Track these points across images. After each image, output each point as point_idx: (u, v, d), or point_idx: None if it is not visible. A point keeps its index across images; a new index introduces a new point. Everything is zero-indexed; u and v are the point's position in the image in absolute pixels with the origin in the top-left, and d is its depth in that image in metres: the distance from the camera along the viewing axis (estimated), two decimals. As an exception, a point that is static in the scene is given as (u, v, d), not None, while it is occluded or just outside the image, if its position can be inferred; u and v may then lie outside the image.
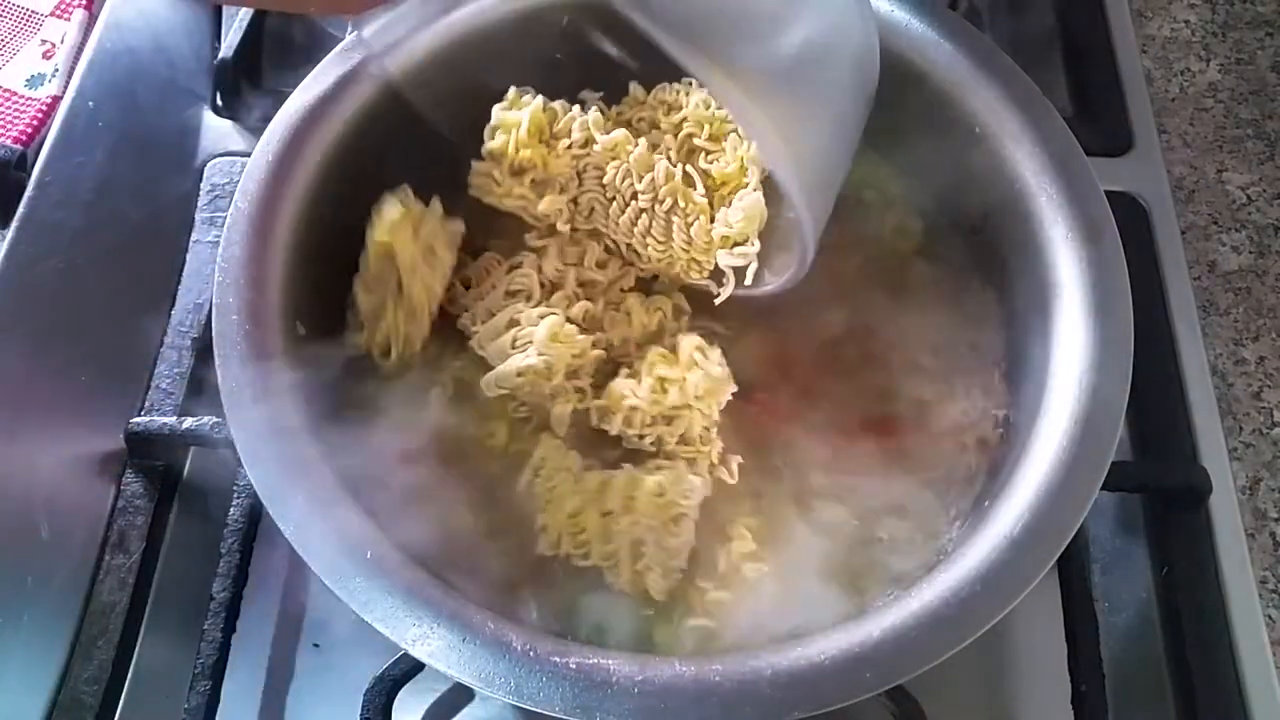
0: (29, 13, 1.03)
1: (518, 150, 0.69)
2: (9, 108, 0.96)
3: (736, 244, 0.70)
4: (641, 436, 0.68)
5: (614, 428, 0.69)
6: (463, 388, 0.71)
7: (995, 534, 0.57)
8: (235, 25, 0.95)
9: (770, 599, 0.64)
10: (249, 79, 0.96)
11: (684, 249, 0.70)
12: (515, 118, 0.69)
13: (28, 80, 0.98)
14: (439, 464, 0.68)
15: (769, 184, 0.68)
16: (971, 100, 0.73)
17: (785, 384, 0.73)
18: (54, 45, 1.01)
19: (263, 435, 0.59)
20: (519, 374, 0.66)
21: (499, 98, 0.71)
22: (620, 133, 0.69)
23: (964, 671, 0.72)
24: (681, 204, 0.69)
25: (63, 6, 1.03)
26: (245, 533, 0.72)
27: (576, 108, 0.72)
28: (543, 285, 0.71)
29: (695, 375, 0.67)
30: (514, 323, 0.69)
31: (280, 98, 0.73)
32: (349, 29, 0.81)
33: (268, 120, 0.71)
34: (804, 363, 0.75)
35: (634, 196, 0.69)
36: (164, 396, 0.80)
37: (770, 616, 0.61)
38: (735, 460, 0.69)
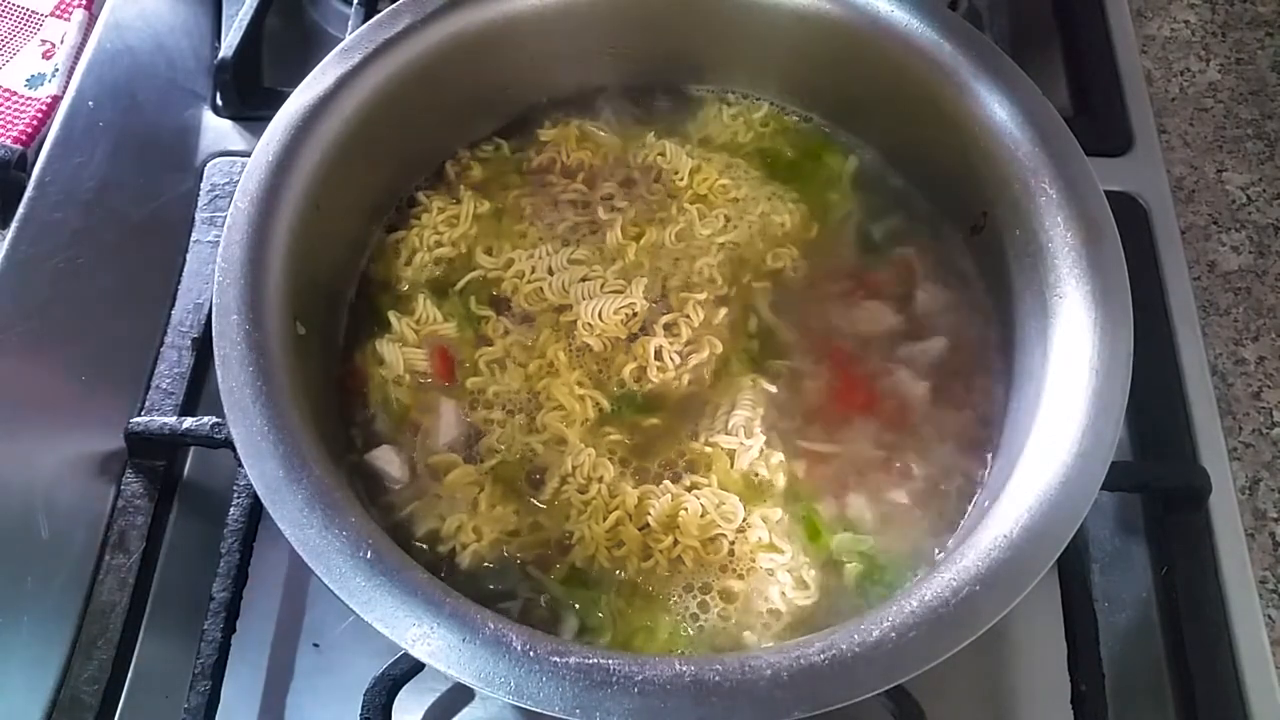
0: (29, 13, 1.03)
1: (568, 155, 0.84)
2: (9, 108, 0.96)
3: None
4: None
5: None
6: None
7: (995, 534, 0.57)
8: (235, 25, 0.95)
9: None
10: (249, 79, 0.96)
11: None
12: (562, 132, 0.85)
13: (28, 80, 0.99)
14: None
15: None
16: (971, 100, 0.73)
17: (798, 376, 0.75)
18: (54, 45, 1.01)
19: (263, 435, 0.59)
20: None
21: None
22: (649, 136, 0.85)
23: (964, 671, 0.72)
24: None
25: (63, 6, 1.03)
26: (245, 533, 0.72)
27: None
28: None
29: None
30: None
31: (280, 98, 0.73)
32: (349, 28, 0.81)
33: (268, 120, 0.71)
34: (814, 358, 0.76)
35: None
36: (164, 396, 0.80)
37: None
38: (776, 456, 0.70)
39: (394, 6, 0.77)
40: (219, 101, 0.96)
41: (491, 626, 0.54)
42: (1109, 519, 0.78)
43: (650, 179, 0.83)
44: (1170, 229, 0.89)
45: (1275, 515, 0.86)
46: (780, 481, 0.70)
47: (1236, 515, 0.76)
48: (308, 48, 1.01)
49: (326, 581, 0.55)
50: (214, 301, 0.64)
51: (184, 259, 0.86)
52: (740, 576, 0.66)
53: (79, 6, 1.03)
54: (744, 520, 0.68)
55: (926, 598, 0.55)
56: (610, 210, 0.81)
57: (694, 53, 0.86)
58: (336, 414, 0.73)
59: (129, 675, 0.72)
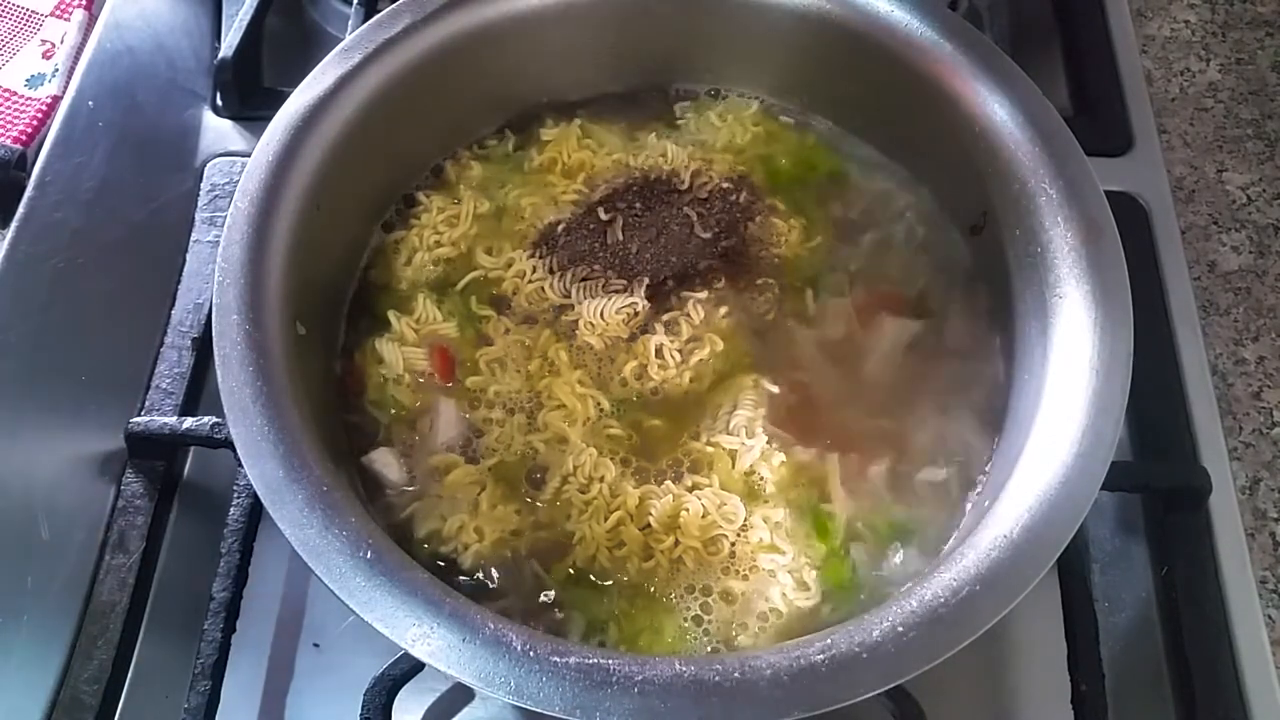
0: (29, 13, 1.03)
1: (569, 156, 0.84)
2: (9, 108, 0.96)
3: None
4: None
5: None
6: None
7: (995, 534, 0.57)
8: (235, 25, 0.95)
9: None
10: (249, 79, 0.96)
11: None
12: (564, 132, 0.85)
13: (28, 80, 0.99)
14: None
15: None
16: (971, 100, 0.73)
17: (800, 376, 0.75)
18: (54, 45, 1.01)
19: (263, 435, 0.59)
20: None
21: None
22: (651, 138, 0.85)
23: (964, 671, 0.72)
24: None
25: (63, 6, 1.03)
26: (245, 533, 0.72)
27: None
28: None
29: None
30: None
31: (280, 98, 0.73)
32: (349, 28, 0.80)
33: (268, 120, 0.71)
34: (815, 359, 0.76)
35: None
36: (164, 396, 0.80)
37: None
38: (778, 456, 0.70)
39: (394, 6, 0.77)
40: (219, 101, 0.96)
41: (491, 626, 0.54)
42: (1109, 519, 0.78)
43: (651, 180, 0.83)
44: (1170, 229, 0.89)
45: (1275, 515, 0.86)
46: (782, 482, 0.70)
47: (1236, 515, 0.76)
48: (308, 48, 1.01)
49: (326, 581, 0.55)
50: (214, 301, 0.64)
51: (184, 259, 0.86)
52: (743, 578, 0.66)
53: (79, 6, 1.03)
54: (745, 521, 0.68)
55: (926, 598, 0.55)
56: (611, 210, 0.81)
57: (694, 53, 0.86)
58: (336, 414, 0.73)
59: (129, 675, 0.72)
